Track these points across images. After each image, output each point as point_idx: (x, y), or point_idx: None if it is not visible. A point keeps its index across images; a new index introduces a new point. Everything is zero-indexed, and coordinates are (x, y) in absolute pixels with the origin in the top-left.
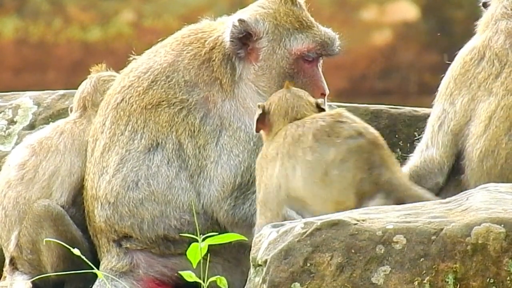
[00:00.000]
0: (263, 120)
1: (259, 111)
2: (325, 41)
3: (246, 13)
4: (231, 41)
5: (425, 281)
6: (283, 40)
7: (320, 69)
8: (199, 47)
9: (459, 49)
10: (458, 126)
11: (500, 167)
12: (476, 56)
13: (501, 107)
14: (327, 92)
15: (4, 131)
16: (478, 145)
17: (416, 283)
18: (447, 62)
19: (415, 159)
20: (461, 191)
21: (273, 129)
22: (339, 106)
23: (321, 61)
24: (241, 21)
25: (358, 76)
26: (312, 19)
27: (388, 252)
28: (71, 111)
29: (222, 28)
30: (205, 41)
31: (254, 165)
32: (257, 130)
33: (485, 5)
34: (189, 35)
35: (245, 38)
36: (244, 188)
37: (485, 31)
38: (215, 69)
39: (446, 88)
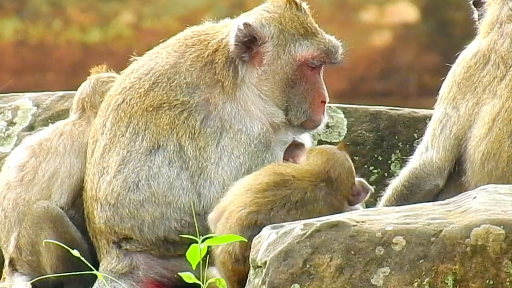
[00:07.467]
0: (294, 155)
1: (297, 147)
2: (329, 49)
3: (251, 17)
4: (235, 44)
5: (424, 283)
6: (288, 45)
7: (321, 76)
8: (202, 49)
9: (459, 50)
10: (462, 130)
11: (501, 170)
12: (481, 60)
13: (505, 109)
14: (327, 100)
15: (4, 132)
16: (481, 148)
17: (415, 284)
18: (447, 64)
19: (414, 161)
20: (461, 193)
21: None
22: (339, 108)
23: (323, 68)
24: (246, 24)
25: (358, 77)
26: (316, 25)
27: (388, 254)
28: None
29: (226, 31)
30: (208, 43)
31: (255, 167)
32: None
33: (476, 4)
34: (192, 37)
35: (249, 42)
36: None
37: (489, 33)
38: (217, 72)
39: (448, 92)
